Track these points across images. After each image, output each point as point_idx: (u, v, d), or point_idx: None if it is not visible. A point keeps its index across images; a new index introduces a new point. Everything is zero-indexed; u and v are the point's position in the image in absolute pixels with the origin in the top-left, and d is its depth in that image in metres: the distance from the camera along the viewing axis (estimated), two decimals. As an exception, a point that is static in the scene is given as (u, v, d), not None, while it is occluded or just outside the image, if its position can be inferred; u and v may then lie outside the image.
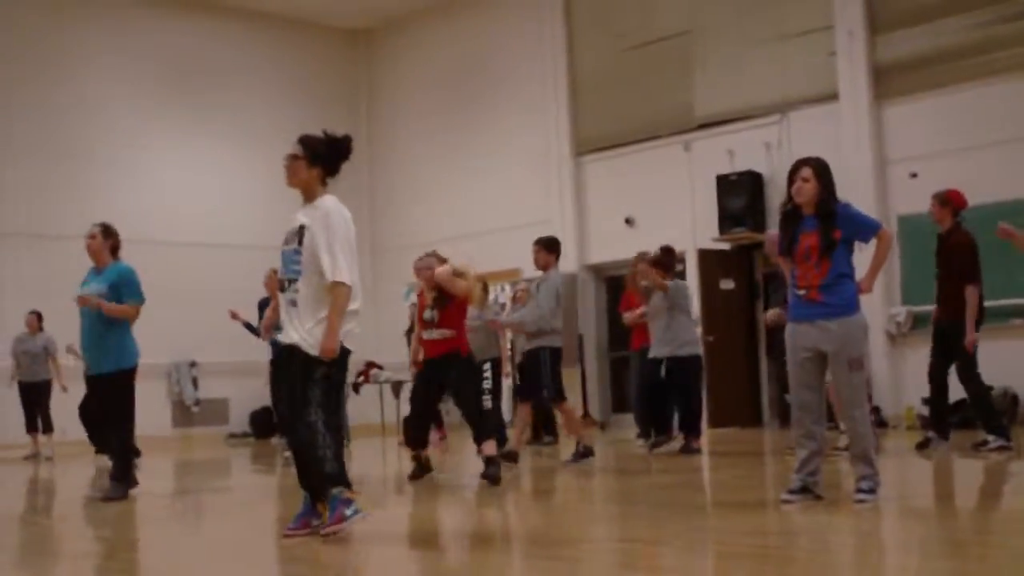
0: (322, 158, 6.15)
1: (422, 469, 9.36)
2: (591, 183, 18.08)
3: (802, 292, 6.64)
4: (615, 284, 18.16)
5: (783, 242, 6.81)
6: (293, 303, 6.02)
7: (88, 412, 9.48)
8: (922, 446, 10.32)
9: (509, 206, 18.73)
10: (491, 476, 8.71)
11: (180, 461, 13.38)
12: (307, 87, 20.60)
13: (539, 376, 10.43)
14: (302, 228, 6.03)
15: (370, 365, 17.39)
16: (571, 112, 18.27)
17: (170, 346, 17.20)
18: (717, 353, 15.49)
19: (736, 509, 7.05)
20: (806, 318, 6.62)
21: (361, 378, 17.49)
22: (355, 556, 5.69)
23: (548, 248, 10.75)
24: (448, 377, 9.10)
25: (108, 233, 8.98)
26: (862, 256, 6.73)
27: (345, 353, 6.03)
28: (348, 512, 5.82)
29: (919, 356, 10.91)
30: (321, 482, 5.90)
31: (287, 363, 6.01)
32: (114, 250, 8.98)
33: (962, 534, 5.84)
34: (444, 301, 9.03)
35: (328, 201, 6.11)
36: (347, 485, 5.92)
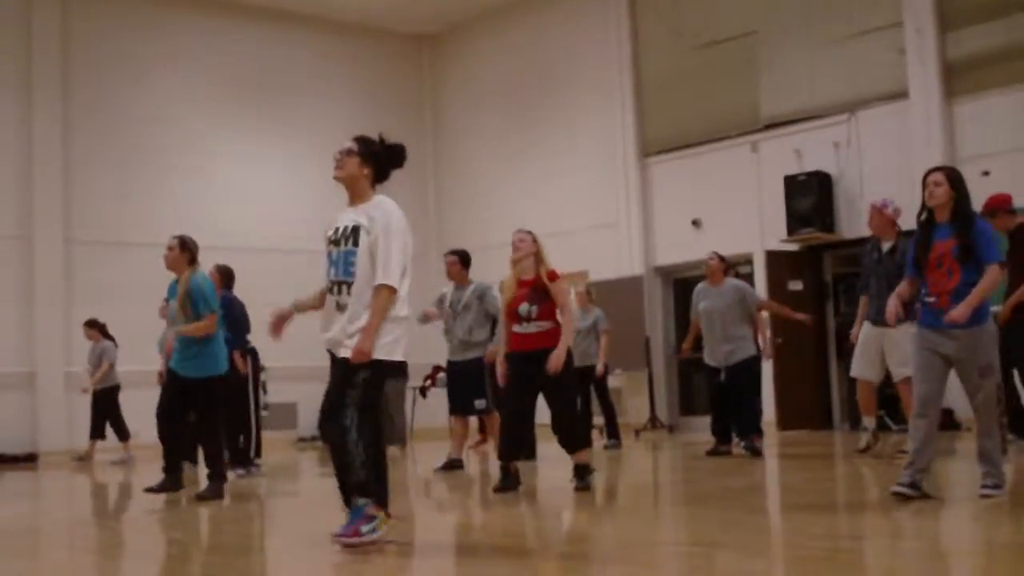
0: (375, 158, 5.98)
1: (511, 481, 8.52)
2: (657, 185, 18.01)
3: (932, 299, 6.67)
4: (682, 286, 18.09)
5: (917, 254, 6.79)
6: (342, 307, 5.82)
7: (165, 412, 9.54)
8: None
9: (575, 208, 18.71)
10: (585, 484, 8.37)
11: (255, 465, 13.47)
12: (373, 92, 20.71)
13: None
14: (357, 228, 5.85)
15: (437, 369, 17.45)
16: (637, 114, 18.21)
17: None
18: (786, 355, 15.34)
19: (806, 512, 6.97)
20: (935, 325, 6.66)
21: (428, 382, 17.55)
22: (421, 565, 5.71)
23: (464, 261, 11.12)
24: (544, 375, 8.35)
25: (184, 246, 9.18)
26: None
27: (397, 364, 5.83)
28: (364, 529, 5.60)
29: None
30: (349, 488, 5.71)
31: (333, 365, 5.86)
32: (191, 261, 9.15)
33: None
34: (544, 293, 8.45)
35: (388, 203, 5.92)
36: (375, 497, 5.68)
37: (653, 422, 16.80)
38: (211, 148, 18.99)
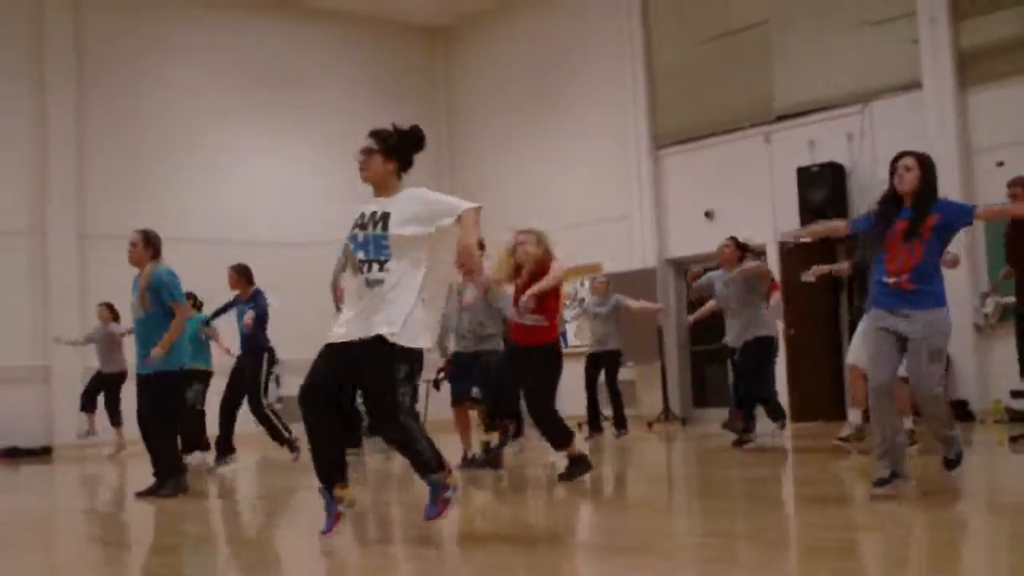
0: (396, 150, 6.04)
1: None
2: (670, 176, 17.99)
3: (892, 280, 6.53)
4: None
5: (878, 226, 6.66)
6: (377, 283, 5.84)
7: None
8: (1016, 439, 10.06)
9: (588, 200, 18.71)
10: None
11: (264, 460, 13.51)
12: (386, 85, 20.72)
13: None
14: (387, 215, 5.90)
15: (450, 362, 17.42)
16: (649, 105, 18.19)
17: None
18: (799, 346, 15.33)
19: (821, 503, 6.96)
20: (890, 306, 6.56)
21: (442, 374, 17.50)
22: (436, 553, 5.72)
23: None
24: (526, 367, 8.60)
25: (148, 241, 9.04)
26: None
27: (419, 352, 5.89)
28: (448, 496, 5.91)
29: (1007, 348, 10.68)
30: (421, 470, 5.93)
31: (371, 357, 5.79)
32: (154, 255, 9.04)
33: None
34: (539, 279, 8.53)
35: (415, 188, 6.05)
36: (444, 468, 5.91)
37: (666, 414, 16.80)
38: (225, 142, 19.03)
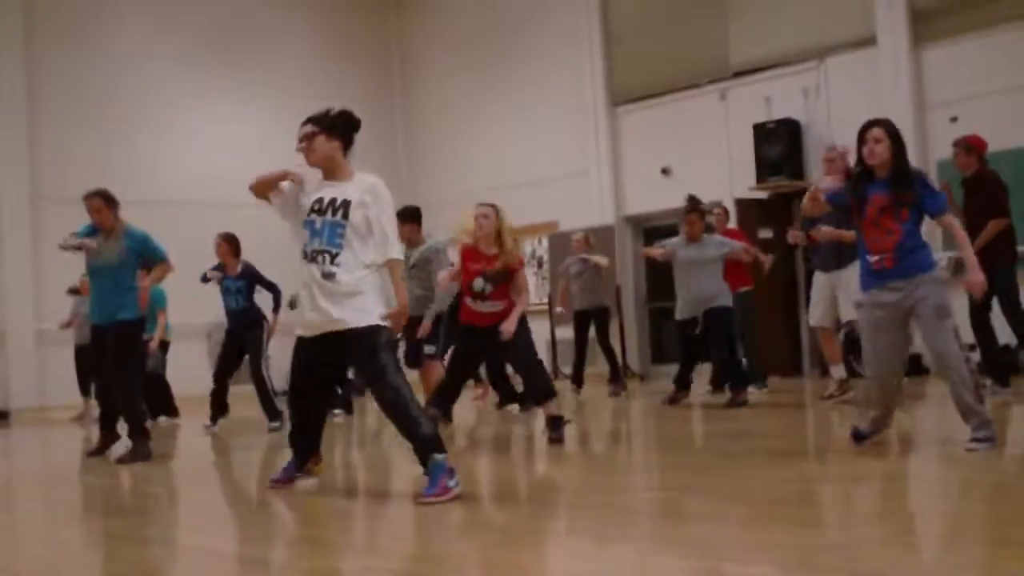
0: (337, 129, 6.09)
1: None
2: (627, 133, 18.00)
3: (875, 259, 6.37)
4: (652, 234, 18.14)
5: (853, 207, 6.50)
6: (330, 276, 5.88)
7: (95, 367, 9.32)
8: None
9: (546, 158, 18.70)
10: (558, 436, 8.22)
11: (221, 420, 13.47)
12: (341, 44, 20.54)
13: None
14: (348, 203, 5.93)
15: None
16: (606, 62, 18.17)
17: (209, 306, 17.36)
18: (756, 303, 15.39)
19: (778, 456, 7.02)
20: (880, 285, 6.39)
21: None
22: (391, 509, 5.74)
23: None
24: (498, 343, 8.41)
25: (110, 201, 8.97)
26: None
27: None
28: (451, 484, 5.56)
29: (962, 302, 10.77)
30: (420, 445, 5.74)
31: (350, 344, 5.93)
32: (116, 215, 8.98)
33: (1006, 479, 5.80)
34: (502, 276, 8.32)
35: (378, 181, 6.08)
36: (443, 449, 5.70)
37: (624, 370, 16.87)
38: (174, 101, 18.81)
